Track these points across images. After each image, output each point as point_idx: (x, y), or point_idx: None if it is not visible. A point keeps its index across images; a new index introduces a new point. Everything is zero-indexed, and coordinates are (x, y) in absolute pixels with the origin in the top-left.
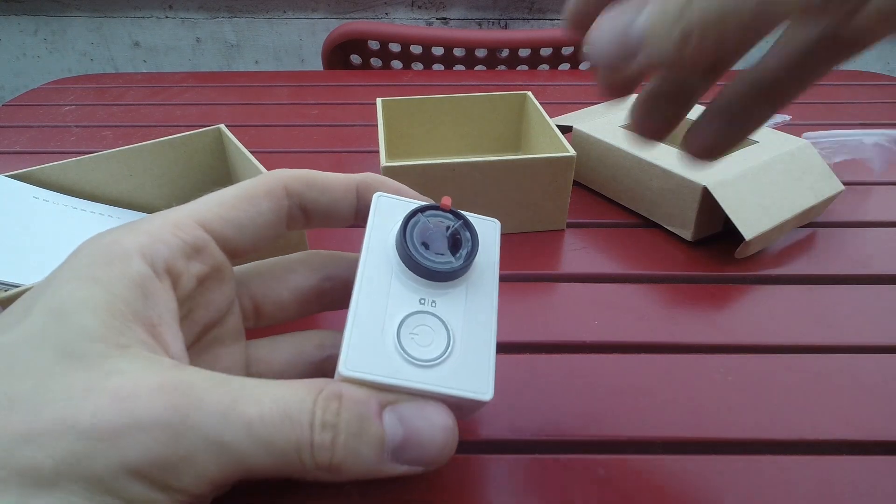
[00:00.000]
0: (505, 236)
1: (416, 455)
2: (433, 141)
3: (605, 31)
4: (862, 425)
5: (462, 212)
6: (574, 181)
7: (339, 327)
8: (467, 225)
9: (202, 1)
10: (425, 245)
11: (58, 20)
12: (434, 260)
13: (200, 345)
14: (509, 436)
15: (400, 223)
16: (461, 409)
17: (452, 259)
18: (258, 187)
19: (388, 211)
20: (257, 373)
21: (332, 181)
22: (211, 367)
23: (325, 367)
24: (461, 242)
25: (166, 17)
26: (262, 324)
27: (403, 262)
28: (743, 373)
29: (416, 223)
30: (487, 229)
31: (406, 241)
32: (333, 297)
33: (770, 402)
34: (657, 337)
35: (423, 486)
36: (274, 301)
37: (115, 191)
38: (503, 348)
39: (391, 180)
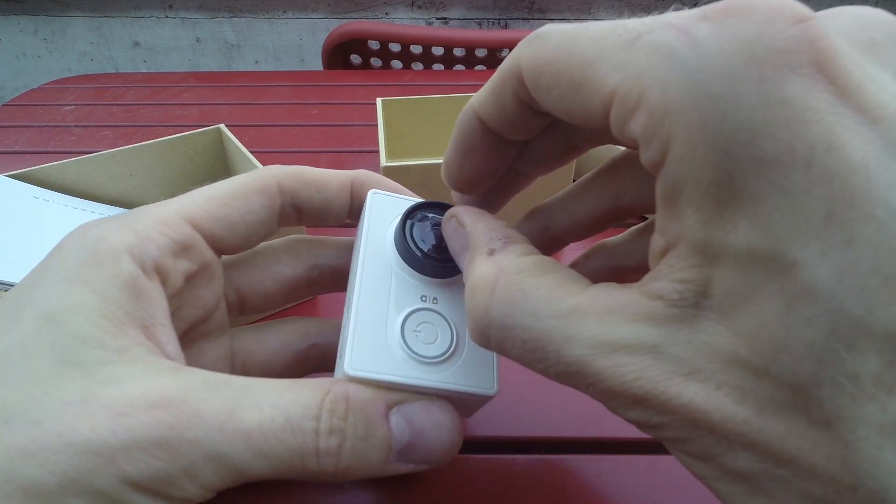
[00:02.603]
0: None
1: (423, 456)
2: (433, 141)
3: (454, 231)
4: None
5: None
6: (574, 180)
7: (325, 312)
8: None
9: (202, 1)
10: (424, 241)
11: (58, 20)
12: (434, 256)
13: (185, 341)
14: (509, 435)
15: (399, 220)
16: (466, 405)
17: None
18: (250, 184)
19: (384, 208)
20: (242, 363)
21: (326, 178)
22: (195, 361)
23: (309, 356)
24: None
25: (166, 17)
26: (247, 314)
27: (403, 259)
28: None
29: (414, 220)
30: None
31: (406, 238)
32: (322, 285)
33: None
34: None
35: (422, 485)
36: (259, 293)
37: (115, 191)
38: None
39: (386, 178)
